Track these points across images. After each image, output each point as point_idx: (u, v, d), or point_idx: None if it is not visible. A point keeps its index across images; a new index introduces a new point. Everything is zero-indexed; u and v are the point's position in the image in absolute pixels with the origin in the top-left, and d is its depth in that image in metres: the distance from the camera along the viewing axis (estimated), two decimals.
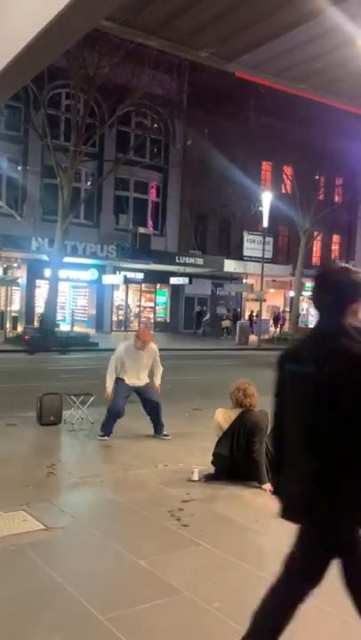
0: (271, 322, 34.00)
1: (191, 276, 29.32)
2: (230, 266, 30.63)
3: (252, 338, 26.80)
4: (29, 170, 25.41)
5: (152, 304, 31.72)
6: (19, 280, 25.37)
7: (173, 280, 29.48)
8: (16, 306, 26.68)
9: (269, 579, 3.45)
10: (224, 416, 5.31)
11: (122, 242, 27.01)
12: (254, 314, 29.21)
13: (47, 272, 23.17)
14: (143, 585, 3.33)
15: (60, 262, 22.29)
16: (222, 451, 5.21)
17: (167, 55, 17.58)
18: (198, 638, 2.88)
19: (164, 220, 30.42)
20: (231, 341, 26.59)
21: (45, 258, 23.07)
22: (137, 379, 6.84)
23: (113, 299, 29.85)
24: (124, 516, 4.48)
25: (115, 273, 28.31)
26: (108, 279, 28.28)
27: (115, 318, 30.29)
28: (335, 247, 39.09)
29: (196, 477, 5.22)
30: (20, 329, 24.56)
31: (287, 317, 33.10)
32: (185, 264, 28.34)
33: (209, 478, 5.25)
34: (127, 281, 28.66)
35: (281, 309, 35.83)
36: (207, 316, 30.75)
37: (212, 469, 5.33)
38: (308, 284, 35.45)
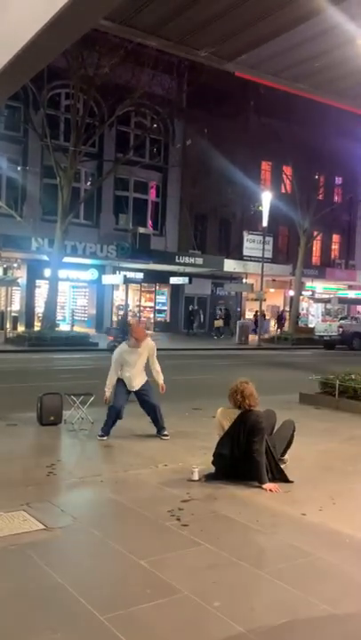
0: (274, 321, 34.01)
1: (191, 276, 29.32)
2: (230, 265, 30.64)
3: (253, 337, 26.81)
4: (29, 170, 25.42)
5: (152, 304, 31.73)
6: (19, 280, 25.38)
7: (173, 280, 29.49)
8: (16, 306, 26.69)
9: (269, 578, 3.47)
10: (225, 416, 5.31)
11: (122, 242, 27.02)
12: (259, 313, 29.18)
13: (47, 272, 23.18)
14: (143, 584, 3.33)
15: (59, 262, 22.30)
16: (223, 450, 5.21)
17: (167, 55, 17.59)
18: (198, 638, 2.88)
19: (163, 220, 30.43)
20: (228, 341, 26.58)
21: (45, 258, 23.07)
22: (130, 385, 6.76)
23: (113, 299, 29.86)
24: (124, 516, 4.48)
25: (114, 273, 28.32)
26: (108, 279, 28.29)
27: (115, 318, 30.29)
28: (335, 247, 39.11)
29: (196, 477, 5.22)
30: (20, 329, 24.58)
31: (287, 317, 33.10)
32: (185, 264, 28.36)
33: (209, 478, 5.25)
34: (127, 281, 28.66)
35: (281, 309, 35.84)
36: (201, 316, 30.62)
37: (212, 469, 5.33)
38: (308, 283, 35.55)
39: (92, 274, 27.67)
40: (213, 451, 5.34)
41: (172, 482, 5.19)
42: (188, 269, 28.92)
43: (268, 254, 29.83)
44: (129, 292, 30.68)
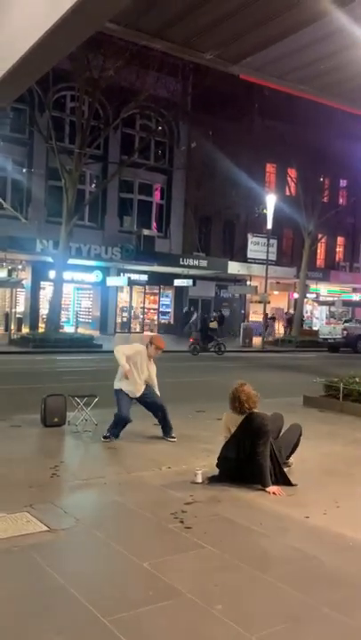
0: (280, 324, 33.91)
1: (195, 278, 29.32)
2: (234, 268, 30.64)
3: (256, 339, 26.78)
4: (34, 172, 25.49)
5: (156, 306, 31.75)
6: (23, 282, 25.45)
7: (177, 282, 29.49)
8: (21, 307, 26.76)
9: (273, 582, 3.46)
10: (232, 420, 5.30)
11: (126, 244, 27.06)
12: (269, 316, 29.22)
13: (52, 274, 23.23)
14: (146, 587, 3.32)
15: (64, 264, 22.34)
16: (229, 453, 5.20)
17: (171, 57, 17.61)
18: None
19: (168, 222, 30.45)
20: (231, 343, 26.54)
21: (50, 260, 23.13)
22: (133, 393, 6.75)
23: (117, 300, 29.89)
24: (128, 518, 4.48)
25: (119, 275, 28.36)
26: (113, 281, 28.32)
27: (119, 320, 30.33)
28: (339, 249, 39.06)
29: (199, 480, 5.21)
30: (24, 330, 24.63)
31: (291, 319, 33.05)
32: (189, 266, 28.37)
33: (212, 480, 5.24)
34: (131, 283, 28.69)
35: (286, 311, 35.82)
36: (194, 317, 30.42)
37: (215, 471, 5.33)
38: (313, 286, 35.49)
39: (96, 276, 27.71)
40: (218, 453, 5.34)
41: (176, 484, 5.19)
42: (192, 271, 28.92)
43: (273, 257, 29.81)
44: (133, 293, 30.71)
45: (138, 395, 6.81)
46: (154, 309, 31.72)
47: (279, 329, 33.20)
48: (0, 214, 22.96)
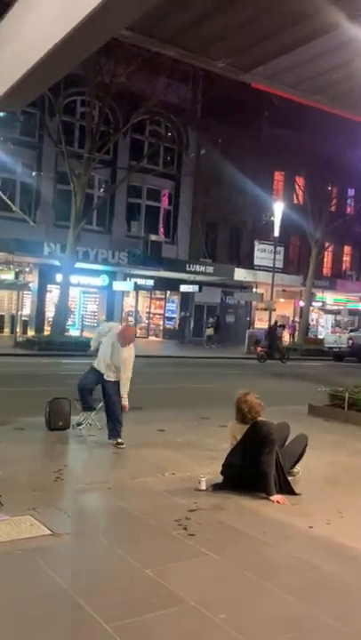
0: (288, 332, 33.84)
1: (201, 284, 29.34)
2: (240, 274, 30.64)
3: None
4: (43, 175, 25.62)
5: (162, 311, 31.77)
6: (30, 284, 25.52)
7: (183, 287, 29.52)
8: (27, 310, 26.83)
9: (276, 591, 3.44)
10: (237, 427, 5.29)
11: (133, 248, 27.12)
12: (278, 324, 29.16)
13: (58, 277, 23.30)
14: (149, 593, 3.31)
15: (71, 268, 22.41)
16: (234, 461, 5.19)
17: (182, 64, 17.69)
18: None
19: (175, 228, 30.52)
20: (236, 350, 26.50)
21: (57, 263, 23.20)
22: (100, 367, 6.76)
23: (123, 305, 29.93)
24: (131, 524, 4.46)
25: (125, 279, 28.41)
26: (119, 285, 28.37)
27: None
28: (346, 258, 39.01)
29: (203, 486, 5.19)
30: (30, 333, 24.68)
31: (297, 327, 33.02)
32: (195, 272, 28.39)
33: (216, 487, 5.22)
34: (137, 287, 28.73)
35: (291, 319, 35.76)
36: (190, 323, 30.27)
37: (219, 478, 5.31)
38: (319, 294, 35.44)
39: (102, 280, 27.77)
40: (222, 461, 5.32)
41: (180, 491, 5.18)
42: (198, 277, 28.95)
43: (279, 264, 29.80)
44: (139, 298, 30.76)
45: (103, 371, 6.75)
46: (159, 314, 31.74)
47: (286, 337, 33.11)
48: (9, 217, 23.07)
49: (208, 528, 4.35)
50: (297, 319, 35.22)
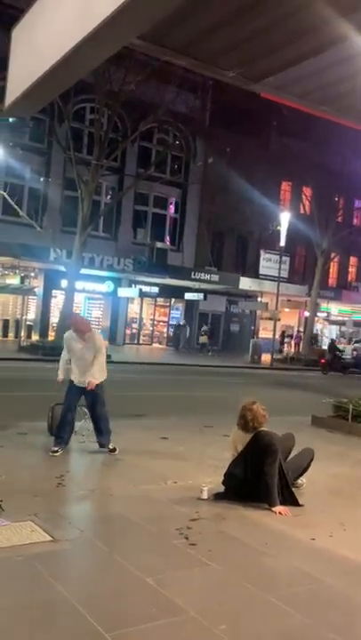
0: (294, 341, 33.85)
1: (206, 292, 29.36)
2: (246, 283, 30.66)
3: (265, 357, 26.70)
4: (51, 181, 25.76)
5: (166, 318, 31.79)
6: (35, 289, 25.60)
7: (188, 295, 29.55)
8: (31, 315, 26.90)
9: (277, 603, 3.41)
10: (239, 437, 5.27)
11: (139, 256, 27.20)
12: (286, 333, 29.29)
13: (64, 283, 23.36)
14: (149, 603, 3.29)
15: (76, 273, 22.47)
16: (236, 471, 5.16)
17: (191, 73, 17.78)
18: None
19: (181, 236, 30.59)
20: (241, 359, 26.47)
21: (62, 269, 23.26)
22: (78, 380, 6.60)
23: (127, 311, 29.97)
24: (132, 532, 4.44)
25: (130, 286, 28.47)
26: (124, 292, 28.43)
27: (128, 331, 30.38)
28: (352, 269, 38.99)
29: (205, 496, 5.17)
30: (34, 338, 24.72)
31: (302, 337, 32.97)
32: (200, 280, 28.43)
33: (218, 497, 5.20)
34: (142, 294, 28.78)
35: (296, 329, 35.73)
36: (187, 331, 30.13)
37: (221, 488, 5.28)
38: (324, 305, 35.40)
39: (107, 286, 27.84)
40: (225, 470, 5.29)
41: (181, 499, 5.15)
42: (203, 286, 28.98)
43: (285, 274, 29.81)
44: (143, 305, 30.80)
45: (82, 382, 6.55)
46: (164, 322, 31.76)
47: (292, 347, 33.09)
48: (16, 222, 23.18)
49: (209, 538, 4.33)
50: (301, 329, 35.19)
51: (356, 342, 28.08)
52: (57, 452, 6.39)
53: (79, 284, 24.38)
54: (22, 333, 23.39)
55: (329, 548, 4.34)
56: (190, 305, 31.15)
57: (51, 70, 3.59)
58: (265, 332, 33.41)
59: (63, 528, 4.31)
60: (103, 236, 27.44)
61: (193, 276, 28.20)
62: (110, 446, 6.66)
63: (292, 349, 32.44)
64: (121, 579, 3.61)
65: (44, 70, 3.65)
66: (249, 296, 32.58)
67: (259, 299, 32.61)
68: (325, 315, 36.91)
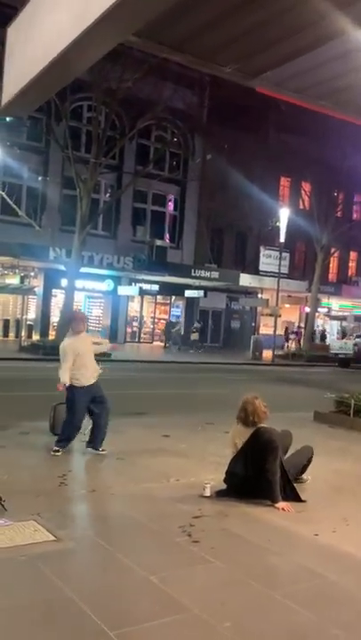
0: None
1: (206, 289, 29.34)
2: (246, 280, 30.63)
3: (267, 353, 26.68)
4: (49, 180, 25.72)
5: (166, 316, 31.78)
6: (35, 289, 25.59)
7: (188, 293, 29.53)
8: (32, 314, 26.90)
9: (281, 600, 3.41)
10: (239, 434, 5.26)
11: (138, 253, 27.18)
12: (290, 330, 29.24)
13: (63, 282, 23.35)
14: (153, 601, 3.29)
15: (76, 272, 22.45)
16: (236, 469, 5.15)
17: (189, 70, 17.73)
18: None
19: (180, 233, 30.56)
20: (242, 355, 26.45)
21: (62, 267, 23.25)
22: (92, 376, 6.50)
23: (128, 310, 29.96)
24: (135, 530, 4.44)
25: (130, 284, 28.46)
26: (124, 290, 28.42)
27: (129, 329, 30.38)
28: (352, 264, 38.94)
29: (207, 493, 5.16)
30: (35, 337, 24.71)
31: (302, 333, 32.96)
32: (200, 277, 28.41)
33: (220, 494, 5.19)
34: (142, 292, 28.76)
35: (297, 324, 35.72)
36: (178, 327, 29.98)
37: (224, 485, 5.28)
38: (325, 300, 35.37)
39: (107, 284, 27.82)
40: (226, 468, 5.29)
41: (184, 497, 5.15)
42: (203, 283, 28.96)
43: (285, 270, 29.77)
44: (144, 303, 30.78)
45: (92, 379, 6.50)
46: (164, 320, 31.75)
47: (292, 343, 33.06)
48: (14, 221, 23.15)
49: (212, 535, 4.32)
50: (302, 325, 35.18)
51: (358, 337, 28.00)
52: (58, 451, 6.37)
53: (79, 283, 24.36)
54: (23, 333, 23.39)
55: (332, 543, 4.33)
56: (191, 302, 31.14)
57: (47, 69, 3.57)
58: (266, 328, 33.40)
59: (66, 527, 4.31)
60: (102, 235, 27.42)
61: (193, 274, 28.18)
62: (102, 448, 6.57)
63: (295, 345, 32.41)
64: (124, 577, 3.61)
65: (40, 69, 3.64)
66: (249, 292, 32.56)
67: (259, 295, 32.58)
68: (326, 310, 36.89)
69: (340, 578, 3.78)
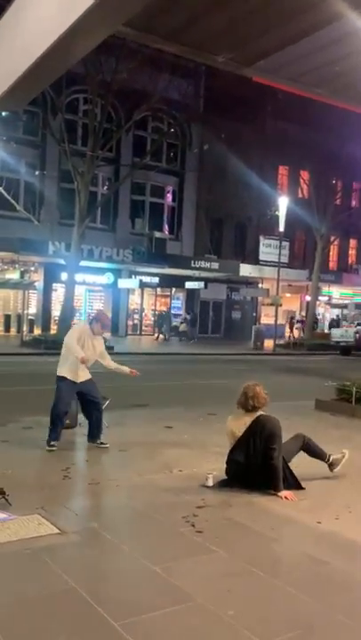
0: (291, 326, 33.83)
1: (207, 281, 29.31)
2: (246, 270, 30.59)
3: (268, 342, 26.70)
4: (47, 174, 25.64)
5: (167, 308, 31.77)
6: (35, 284, 25.59)
7: (189, 284, 29.50)
8: (33, 309, 26.90)
9: (285, 587, 3.43)
10: (237, 422, 5.26)
11: (138, 246, 27.13)
12: (295, 319, 29.22)
13: (64, 276, 23.34)
14: (157, 591, 3.31)
15: (76, 266, 22.43)
16: (238, 457, 5.16)
17: (184, 60, 17.64)
18: None
19: (179, 225, 30.48)
20: (243, 345, 26.47)
21: (62, 262, 23.23)
22: (76, 374, 6.43)
23: (128, 302, 29.95)
24: (139, 521, 4.47)
25: (130, 277, 28.43)
26: (124, 283, 28.39)
27: (130, 322, 30.38)
28: (352, 252, 38.87)
29: (210, 483, 5.19)
30: (36, 332, 24.74)
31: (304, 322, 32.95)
32: (200, 268, 28.37)
33: (224, 484, 5.21)
34: (143, 285, 28.74)
35: (298, 313, 35.70)
36: (170, 320, 29.86)
37: (226, 476, 5.30)
38: (325, 288, 35.33)
39: (107, 278, 27.80)
40: (227, 458, 5.30)
41: (187, 488, 5.17)
42: (203, 274, 28.92)
43: (285, 259, 29.73)
44: (144, 296, 30.76)
45: (79, 380, 6.45)
46: (165, 312, 31.74)
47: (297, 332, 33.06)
48: (13, 216, 23.11)
49: (216, 525, 4.34)
50: (303, 313, 35.18)
51: (359, 325, 27.99)
52: (53, 446, 6.35)
53: (79, 277, 24.35)
54: (24, 328, 23.41)
55: (335, 531, 4.35)
56: (191, 294, 31.12)
57: (37, 62, 3.55)
58: (267, 318, 33.40)
59: (70, 520, 4.33)
60: (101, 228, 27.36)
61: (193, 265, 28.14)
62: (101, 440, 6.57)
63: (300, 334, 32.43)
64: (128, 568, 3.63)
65: (30, 62, 3.62)
66: (250, 283, 32.53)
67: (260, 285, 32.55)
68: (327, 298, 36.85)
69: (344, 565, 3.80)
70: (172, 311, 31.54)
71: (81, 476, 5.53)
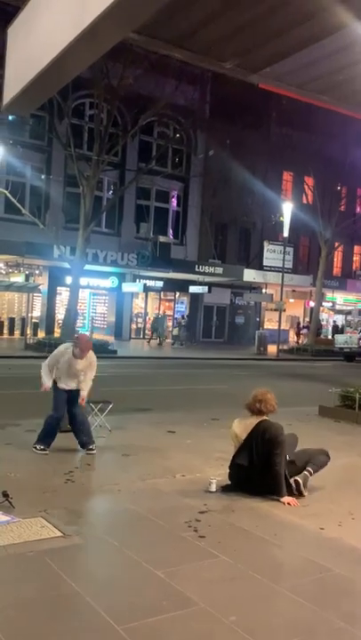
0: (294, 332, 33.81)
1: (210, 285, 29.33)
2: (250, 275, 30.59)
3: (271, 348, 26.67)
4: (52, 178, 25.74)
5: (171, 312, 31.81)
6: (40, 287, 25.66)
7: (193, 289, 29.52)
8: (37, 312, 26.96)
9: (287, 593, 3.43)
10: (242, 426, 5.27)
11: (142, 250, 27.18)
12: (302, 325, 29.19)
13: (68, 279, 23.39)
14: (160, 596, 3.31)
15: (81, 270, 22.48)
16: (241, 461, 5.17)
17: (190, 66, 17.68)
18: None
19: (184, 229, 30.53)
20: (247, 351, 26.45)
21: (67, 265, 23.28)
22: (66, 384, 6.60)
23: (132, 307, 29.98)
24: (141, 526, 4.47)
25: (134, 281, 28.47)
26: (128, 287, 28.43)
27: (134, 326, 30.41)
28: (356, 258, 38.83)
29: (213, 488, 5.19)
30: (40, 335, 24.78)
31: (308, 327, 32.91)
32: (204, 273, 28.38)
33: (227, 489, 5.21)
34: (147, 289, 28.77)
35: (302, 319, 35.67)
36: (164, 322, 29.76)
37: (229, 481, 5.29)
38: (329, 294, 35.28)
39: (112, 282, 27.84)
40: (230, 462, 5.30)
41: (190, 492, 5.18)
42: (207, 278, 28.94)
43: (289, 264, 29.72)
44: (148, 300, 30.79)
45: (70, 387, 6.63)
46: (169, 316, 31.78)
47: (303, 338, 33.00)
48: (18, 220, 23.20)
49: (219, 530, 4.35)
50: (307, 319, 35.14)
51: None
52: (44, 450, 6.41)
53: (83, 281, 24.39)
54: (28, 331, 23.45)
55: (338, 537, 4.35)
56: (195, 298, 31.14)
57: (48, 67, 3.58)
58: (270, 323, 33.38)
59: (73, 523, 4.34)
60: (106, 232, 27.42)
61: (197, 269, 28.15)
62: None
63: (303, 340, 32.39)
64: (131, 572, 3.64)
65: (40, 67, 3.65)
66: (253, 288, 32.52)
67: (263, 290, 32.53)
68: (331, 304, 36.81)
69: (346, 571, 3.79)
70: (176, 315, 31.55)
71: (84, 480, 5.54)
